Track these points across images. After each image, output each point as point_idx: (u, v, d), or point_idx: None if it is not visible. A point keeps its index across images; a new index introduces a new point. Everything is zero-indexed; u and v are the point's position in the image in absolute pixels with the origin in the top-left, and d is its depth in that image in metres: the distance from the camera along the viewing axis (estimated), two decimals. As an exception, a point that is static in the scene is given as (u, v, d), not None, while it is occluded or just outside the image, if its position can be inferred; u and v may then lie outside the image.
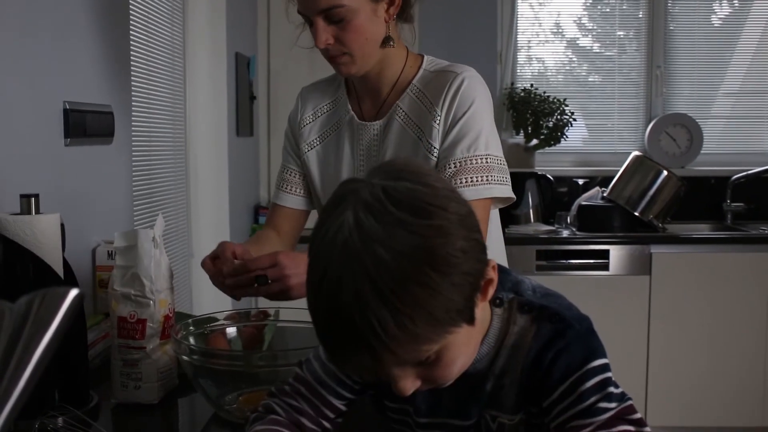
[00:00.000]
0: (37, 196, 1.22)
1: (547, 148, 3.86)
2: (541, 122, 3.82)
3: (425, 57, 1.51)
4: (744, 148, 4.04)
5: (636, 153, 3.61)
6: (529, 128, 3.83)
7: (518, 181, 3.59)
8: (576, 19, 4.10)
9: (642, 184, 3.47)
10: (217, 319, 1.37)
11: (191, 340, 1.29)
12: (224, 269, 1.33)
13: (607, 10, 4.08)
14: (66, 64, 1.67)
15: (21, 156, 1.49)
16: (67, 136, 1.65)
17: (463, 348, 0.81)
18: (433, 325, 0.74)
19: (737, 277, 3.32)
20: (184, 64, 2.84)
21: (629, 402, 0.85)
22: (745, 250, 3.33)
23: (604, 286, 3.31)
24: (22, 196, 1.21)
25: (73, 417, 1.16)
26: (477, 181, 1.39)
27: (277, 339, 1.39)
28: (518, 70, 4.06)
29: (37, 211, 1.21)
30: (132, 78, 2.11)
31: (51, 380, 1.18)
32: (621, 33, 4.07)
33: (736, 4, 4.08)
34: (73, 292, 0.53)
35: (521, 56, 4.08)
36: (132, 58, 2.12)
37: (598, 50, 4.12)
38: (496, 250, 1.55)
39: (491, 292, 0.82)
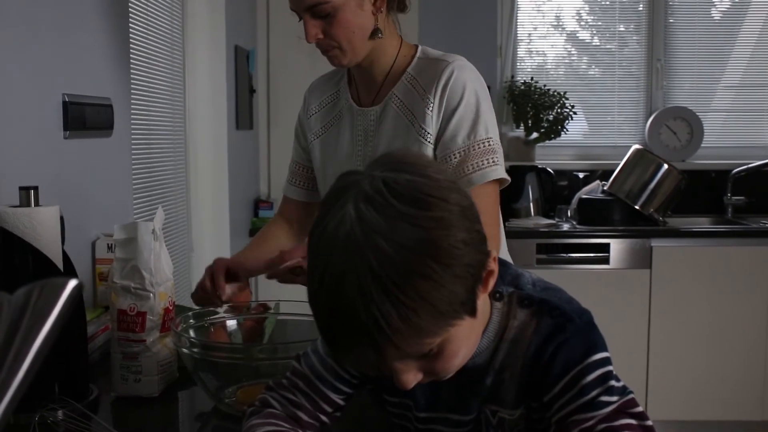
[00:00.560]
0: (36, 188, 1.22)
1: (547, 141, 3.85)
2: (542, 116, 3.81)
3: (419, 47, 1.55)
4: (744, 142, 4.03)
5: (636, 146, 3.60)
6: (530, 122, 3.83)
7: (518, 175, 3.59)
8: (576, 12, 4.09)
9: (642, 178, 3.46)
10: (217, 312, 1.37)
11: (191, 333, 1.29)
12: (225, 298, 1.47)
13: (607, 3, 4.07)
14: (65, 56, 1.66)
15: (20, 148, 1.49)
16: (67, 128, 1.65)
17: (465, 340, 0.80)
18: (436, 317, 0.73)
19: (738, 270, 3.32)
20: (183, 57, 2.83)
21: (631, 395, 0.85)
22: (745, 243, 3.33)
23: (604, 280, 3.31)
24: (21, 188, 1.21)
25: (72, 410, 1.15)
26: (484, 164, 1.43)
27: (277, 332, 1.39)
28: (518, 64, 4.05)
29: (37, 204, 1.21)
30: (131, 71, 2.11)
31: (50, 373, 1.18)
32: (621, 26, 4.06)
33: (737, -3, 4.07)
34: (72, 283, 0.52)
35: (521, 50, 4.07)
36: (131, 50, 2.12)
37: (598, 43, 4.11)
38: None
39: (492, 283, 0.82)
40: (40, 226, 1.17)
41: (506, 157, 1.51)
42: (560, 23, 4.10)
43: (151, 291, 1.25)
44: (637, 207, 3.44)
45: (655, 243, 3.31)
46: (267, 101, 3.65)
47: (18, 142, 1.48)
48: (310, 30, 1.42)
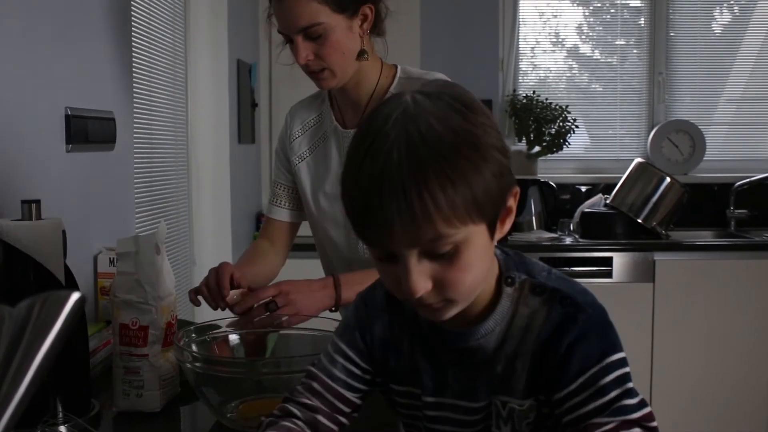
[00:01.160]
0: (38, 202, 1.21)
1: (549, 155, 3.85)
2: (544, 129, 3.81)
3: (399, 66, 1.61)
4: (747, 155, 4.03)
5: (639, 160, 3.59)
6: (532, 135, 3.83)
7: (521, 189, 3.57)
8: (577, 26, 4.10)
9: (645, 191, 3.45)
10: (219, 327, 1.36)
11: (194, 347, 1.28)
12: (229, 299, 1.45)
13: (609, 17, 4.08)
14: (68, 70, 1.66)
15: (23, 162, 1.48)
16: (69, 142, 1.65)
17: (478, 260, 0.81)
18: (468, 201, 0.76)
19: (741, 283, 3.31)
20: (185, 71, 2.84)
21: (649, 409, 0.84)
22: (748, 257, 3.32)
23: (607, 294, 3.24)
24: (23, 201, 1.20)
25: (74, 425, 1.14)
26: None
27: (280, 346, 1.38)
28: (520, 78, 4.06)
29: (39, 217, 1.21)
30: (134, 84, 2.11)
31: (52, 387, 1.17)
32: (623, 40, 4.07)
33: (737, 12, 4.08)
34: (75, 296, 0.52)
35: (523, 63, 4.08)
36: (134, 64, 2.12)
37: (599, 57, 4.12)
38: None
39: (508, 225, 0.85)
40: (42, 239, 1.17)
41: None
42: (562, 37, 4.10)
43: (153, 305, 1.24)
44: (639, 220, 3.43)
45: (658, 257, 3.30)
46: (269, 115, 3.66)
47: (20, 155, 1.48)
48: (301, 51, 1.45)
